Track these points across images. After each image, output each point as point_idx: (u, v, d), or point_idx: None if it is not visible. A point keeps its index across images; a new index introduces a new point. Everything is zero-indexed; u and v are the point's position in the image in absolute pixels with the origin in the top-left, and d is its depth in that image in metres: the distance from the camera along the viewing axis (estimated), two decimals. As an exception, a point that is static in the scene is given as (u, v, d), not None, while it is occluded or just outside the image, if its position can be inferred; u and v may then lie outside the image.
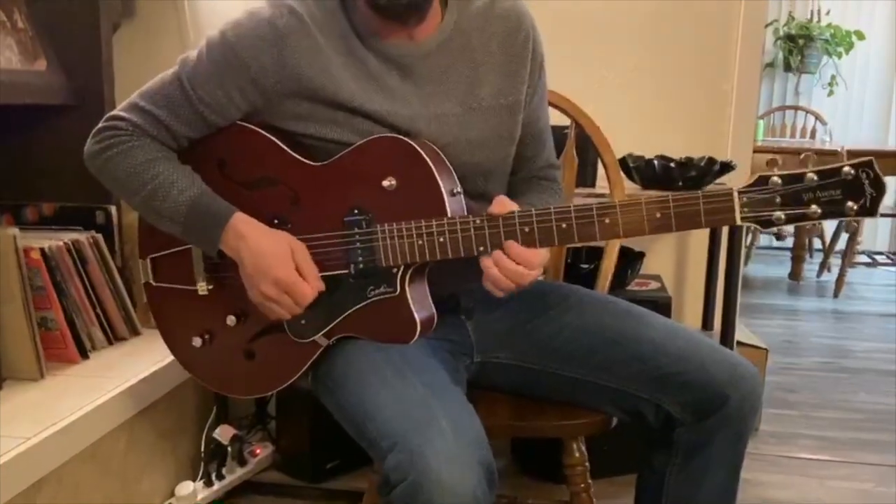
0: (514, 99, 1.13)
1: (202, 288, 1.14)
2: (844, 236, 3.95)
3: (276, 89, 1.05)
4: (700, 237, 2.04)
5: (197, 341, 1.15)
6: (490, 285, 1.03)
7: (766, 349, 2.12)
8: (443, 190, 1.01)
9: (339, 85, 1.04)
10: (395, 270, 1.03)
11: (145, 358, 1.54)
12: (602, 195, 1.54)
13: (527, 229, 1.00)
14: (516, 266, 1.00)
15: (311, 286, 1.03)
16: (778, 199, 0.90)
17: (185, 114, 1.08)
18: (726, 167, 1.78)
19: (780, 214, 0.90)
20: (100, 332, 1.60)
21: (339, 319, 1.06)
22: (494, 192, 1.13)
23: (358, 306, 1.05)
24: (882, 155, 3.62)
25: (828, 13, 4.92)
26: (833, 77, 4.99)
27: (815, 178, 0.89)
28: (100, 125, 1.11)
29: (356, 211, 1.04)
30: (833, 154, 3.22)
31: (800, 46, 4.86)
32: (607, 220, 0.97)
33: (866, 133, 5.09)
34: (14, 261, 1.38)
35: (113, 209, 1.70)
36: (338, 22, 1.06)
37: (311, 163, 1.07)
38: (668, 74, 1.96)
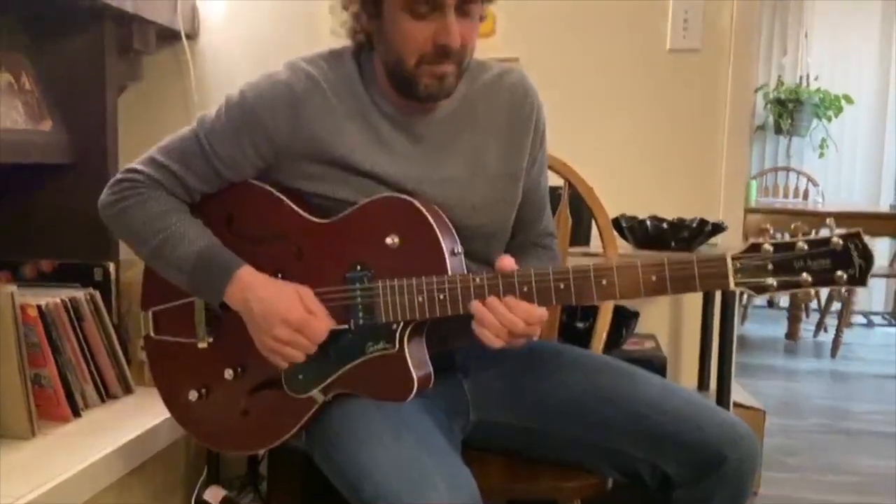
0: (517, 167, 1.17)
1: (202, 341, 1.14)
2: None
3: (289, 149, 1.09)
4: (695, 296, 2.05)
5: (193, 395, 1.15)
6: (483, 332, 1.01)
7: (763, 410, 2.10)
8: (444, 249, 1.03)
9: (351, 148, 1.08)
10: (394, 327, 1.04)
11: (137, 417, 1.52)
12: (596, 254, 1.55)
13: (525, 288, 1.01)
14: (512, 315, 1.00)
15: (323, 322, 1.04)
16: (770, 266, 0.92)
17: (201, 169, 1.11)
18: (718, 228, 1.80)
19: (772, 281, 0.92)
20: (93, 390, 1.59)
21: (336, 375, 1.06)
22: (495, 255, 1.16)
23: (356, 362, 1.06)
24: (873, 217, 3.67)
25: (816, 78, 5.05)
26: (823, 139, 5.09)
27: (806, 247, 0.91)
28: (117, 177, 1.15)
29: (358, 267, 1.06)
30: (824, 216, 3.27)
31: (790, 110, 4.97)
32: (604, 282, 0.98)
33: (858, 194, 5.16)
34: (11, 318, 1.38)
35: (111, 266, 1.71)
36: (353, 87, 1.10)
37: (316, 219, 1.09)
38: (659, 137, 2.00)
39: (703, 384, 2.06)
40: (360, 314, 1.05)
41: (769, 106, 5.09)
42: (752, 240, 0.93)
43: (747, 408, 2.07)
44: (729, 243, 1.94)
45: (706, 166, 1.99)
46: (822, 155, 5.11)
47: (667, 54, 1.98)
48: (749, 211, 3.31)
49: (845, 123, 5.10)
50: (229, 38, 2.09)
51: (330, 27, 2.01)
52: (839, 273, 0.90)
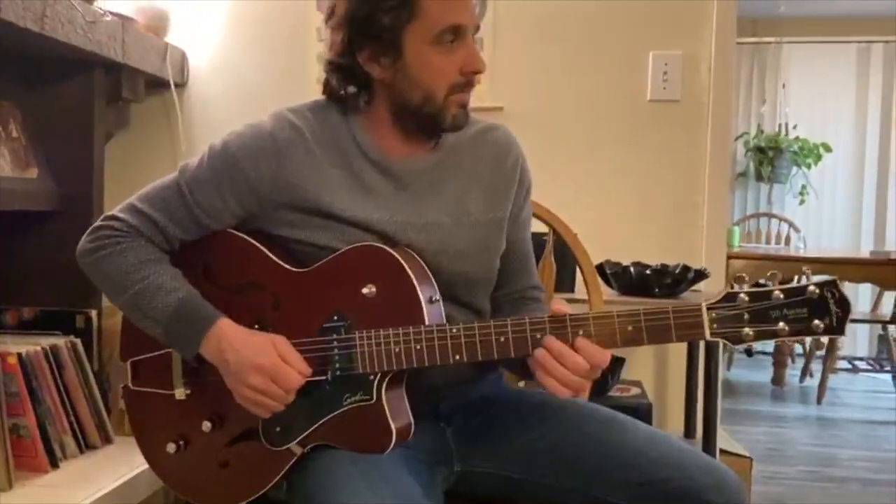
0: (501, 215, 1.18)
1: (180, 393, 1.13)
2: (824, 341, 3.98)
3: (271, 198, 1.09)
4: (679, 344, 2.06)
5: (171, 447, 1.13)
6: (552, 383, 0.99)
7: (750, 458, 2.09)
8: (421, 298, 1.03)
9: (333, 196, 1.09)
10: (371, 378, 1.03)
11: (116, 468, 1.50)
12: (582, 300, 1.56)
13: (502, 338, 1.00)
14: (584, 362, 0.97)
15: (296, 369, 1.03)
16: (746, 316, 0.91)
17: (181, 217, 1.11)
18: (700, 275, 1.82)
19: (748, 331, 0.91)
20: (72, 440, 1.56)
21: (314, 427, 1.05)
22: (478, 303, 1.17)
23: (334, 413, 1.05)
24: (855, 262, 3.71)
25: (795, 127, 5.16)
26: (804, 186, 5.18)
27: (782, 296, 0.90)
28: (96, 224, 1.14)
29: (335, 317, 1.05)
30: (806, 262, 3.30)
31: (770, 158, 5.06)
32: (581, 332, 0.98)
33: (839, 240, 5.23)
34: (-10, 366, 1.37)
35: (93, 313, 1.70)
36: (338, 136, 1.12)
37: (293, 269, 1.09)
38: (642, 185, 2.03)
39: (689, 431, 2.05)
40: (338, 365, 1.04)
41: (749, 154, 5.19)
42: (727, 289, 0.92)
43: (734, 455, 2.06)
44: (712, 289, 1.95)
45: (688, 213, 2.02)
46: (802, 201, 5.20)
47: (647, 104, 2.02)
48: (732, 257, 3.34)
49: (825, 171, 5.20)
50: (217, 86, 2.11)
51: (317, 76, 2.04)
52: (816, 322, 0.89)
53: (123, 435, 1.62)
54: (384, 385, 1.04)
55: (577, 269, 1.62)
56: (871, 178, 5.21)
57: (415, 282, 1.03)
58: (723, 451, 2.00)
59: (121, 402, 1.72)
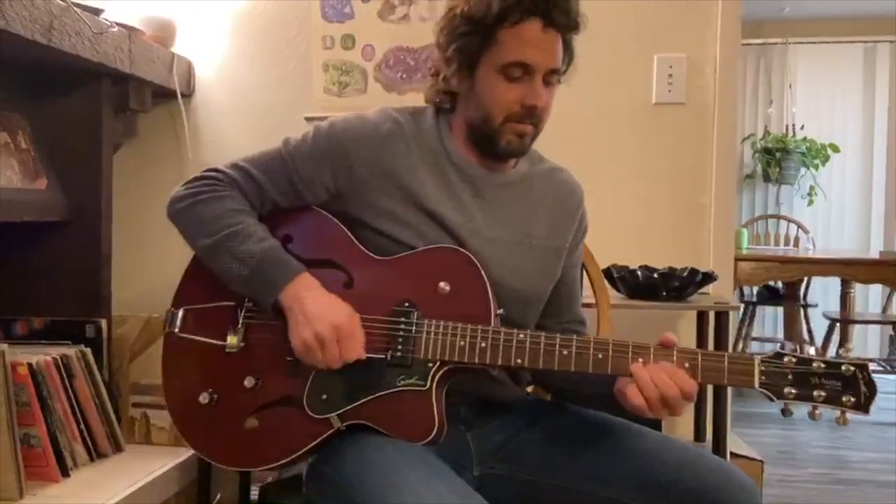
0: (561, 244, 1.26)
1: (233, 344, 1.14)
2: (835, 343, 3.96)
3: (365, 180, 1.16)
4: (687, 343, 2.05)
5: (204, 397, 1.14)
6: (636, 394, 1.02)
7: (761, 461, 2.08)
8: (492, 305, 1.08)
9: (422, 187, 1.17)
10: (430, 365, 1.07)
11: (126, 477, 1.50)
12: (588, 304, 1.56)
13: (565, 352, 1.05)
14: (670, 380, 1.01)
15: (360, 345, 1.07)
16: (790, 377, 1.01)
17: (279, 181, 1.19)
18: (709, 277, 1.81)
19: (790, 390, 1.01)
20: (82, 449, 1.57)
21: (361, 402, 1.07)
22: (527, 323, 1.22)
23: (383, 392, 1.07)
24: (864, 263, 3.68)
25: (802, 127, 5.14)
26: (812, 187, 5.15)
27: (822, 366, 1.01)
28: (198, 174, 1.21)
29: (406, 304, 1.10)
30: (815, 263, 3.27)
31: (777, 159, 5.04)
32: (641, 360, 1.03)
33: (848, 241, 5.21)
34: (1, 377, 1.37)
35: (103, 323, 1.71)
36: (431, 138, 1.21)
37: (373, 255, 1.15)
38: (649, 188, 2.03)
39: (699, 435, 2.04)
40: (400, 346, 1.08)
41: (757, 155, 5.17)
42: (777, 349, 1.04)
43: (745, 458, 2.05)
44: (720, 292, 1.95)
45: (695, 215, 2.02)
46: (811, 202, 5.17)
47: (653, 108, 2.02)
48: (740, 259, 3.33)
49: (833, 171, 5.18)
50: (224, 96, 2.12)
51: (323, 85, 2.05)
52: (846, 398, 1.00)
53: (134, 443, 1.63)
54: (438, 376, 1.07)
55: (585, 273, 1.62)
56: (880, 178, 5.18)
57: (489, 290, 1.09)
58: (733, 455, 1.99)
59: (131, 409, 1.74)
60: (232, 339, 1.14)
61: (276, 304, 1.10)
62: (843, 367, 1.00)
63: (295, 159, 1.18)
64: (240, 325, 1.15)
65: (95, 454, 1.60)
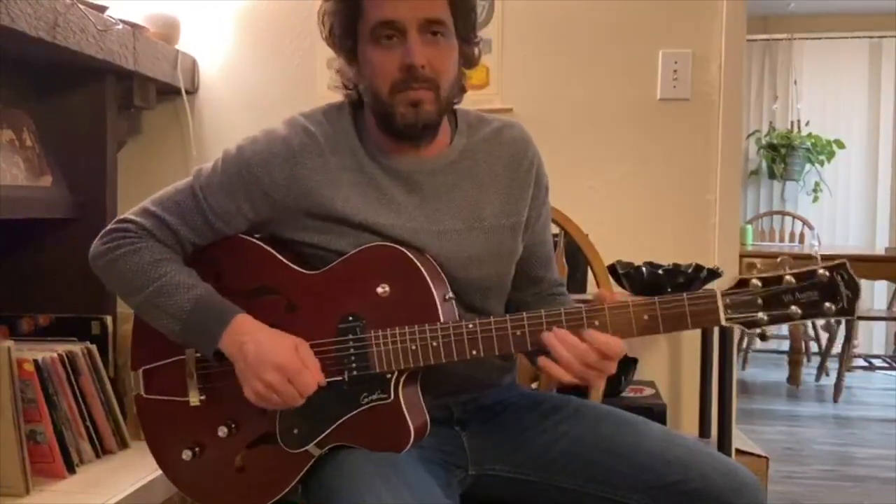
0: (516, 220, 1.16)
1: (194, 398, 1.13)
2: (841, 339, 3.95)
3: (285, 203, 1.10)
4: (692, 341, 2.05)
5: (187, 454, 1.13)
6: (550, 365, 0.98)
7: (766, 457, 2.08)
8: (435, 296, 1.03)
9: (347, 202, 1.09)
10: (388, 376, 1.04)
11: (132, 473, 1.51)
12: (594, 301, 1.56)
13: (518, 332, 1.01)
14: (585, 345, 0.97)
15: (315, 376, 1.03)
16: (759, 301, 0.93)
17: (194, 221, 1.11)
18: (713, 274, 1.80)
19: (762, 315, 0.93)
20: (88, 446, 1.57)
21: (332, 428, 1.05)
22: (491, 308, 1.16)
23: (351, 413, 1.05)
24: (870, 259, 3.68)
25: (807, 124, 5.12)
26: (817, 183, 5.14)
27: (793, 280, 0.92)
28: (109, 227, 1.14)
29: (350, 318, 1.05)
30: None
31: (782, 155, 5.03)
32: (597, 323, 0.98)
33: (853, 237, 5.19)
34: (7, 374, 1.38)
35: (109, 319, 1.71)
36: (350, 141, 1.12)
37: (306, 271, 1.10)
38: (653, 184, 2.02)
39: (704, 431, 2.04)
40: (354, 365, 1.05)
41: (762, 151, 5.16)
42: (740, 276, 0.94)
43: (750, 454, 2.05)
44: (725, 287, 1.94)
45: (700, 212, 2.01)
46: (816, 199, 5.16)
47: (657, 103, 2.01)
48: (745, 255, 3.32)
49: (838, 167, 5.16)
50: (228, 93, 2.12)
51: (328, 81, 2.04)
52: (827, 305, 0.91)
53: (140, 440, 1.63)
54: (401, 383, 1.04)
55: (589, 270, 1.61)
56: (886, 174, 5.16)
57: (428, 280, 1.03)
58: (738, 451, 1.98)
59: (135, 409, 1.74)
60: (193, 395, 1.13)
61: (219, 354, 1.06)
62: (819, 274, 0.91)
63: (207, 195, 1.10)
64: (194, 379, 1.13)
65: (101, 451, 1.60)
